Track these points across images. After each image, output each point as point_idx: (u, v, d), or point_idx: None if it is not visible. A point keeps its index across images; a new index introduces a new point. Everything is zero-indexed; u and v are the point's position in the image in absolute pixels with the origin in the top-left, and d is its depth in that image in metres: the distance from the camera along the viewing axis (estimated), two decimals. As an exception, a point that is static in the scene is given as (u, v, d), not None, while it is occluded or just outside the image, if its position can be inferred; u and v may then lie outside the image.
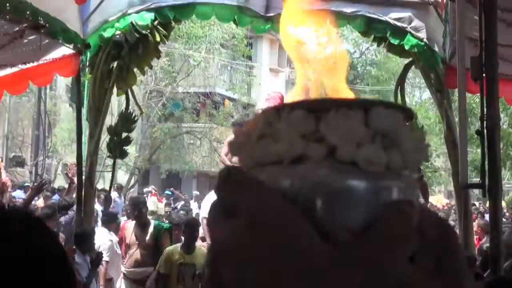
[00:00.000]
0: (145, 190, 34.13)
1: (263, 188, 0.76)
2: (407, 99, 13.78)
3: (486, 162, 6.71)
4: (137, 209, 14.60)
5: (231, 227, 0.76)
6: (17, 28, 11.54)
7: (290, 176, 0.75)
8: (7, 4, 10.09)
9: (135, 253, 13.92)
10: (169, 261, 11.76)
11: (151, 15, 12.83)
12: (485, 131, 6.70)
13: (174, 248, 11.94)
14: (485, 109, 6.79)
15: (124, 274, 14.12)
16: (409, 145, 0.77)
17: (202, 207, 18.59)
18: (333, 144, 0.74)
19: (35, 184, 26.29)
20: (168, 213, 24.61)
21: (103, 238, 14.49)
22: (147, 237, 13.30)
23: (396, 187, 0.76)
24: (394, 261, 0.72)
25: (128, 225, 15.62)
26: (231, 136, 17.13)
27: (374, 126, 0.75)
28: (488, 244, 9.37)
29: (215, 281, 0.77)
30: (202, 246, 13.63)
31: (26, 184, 33.95)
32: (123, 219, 18.46)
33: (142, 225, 14.07)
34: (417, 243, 0.75)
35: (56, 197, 24.11)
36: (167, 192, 34.16)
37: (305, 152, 0.75)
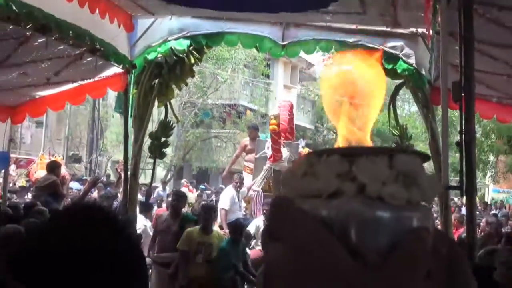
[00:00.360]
0: (181, 182, 34.61)
1: (307, 217, 0.78)
2: (398, 111, 13.74)
3: (464, 169, 6.68)
4: (176, 200, 14.26)
5: (278, 249, 0.77)
6: (78, 51, 11.57)
7: (327, 208, 0.78)
8: (70, 32, 10.07)
9: (164, 239, 13.67)
10: (189, 239, 11.64)
11: (187, 42, 13.17)
12: (463, 143, 6.71)
13: (194, 229, 11.87)
14: (463, 125, 6.78)
15: (152, 259, 13.62)
16: (426, 183, 0.79)
17: (220, 199, 18.63)
18: (363, 183, 0.78)
19: (91, 178, 26.60)
20: (198, 202, 24.48)
21: (139, 223, 15.03)
22: (175, 226, 12.95)
23: (415, 217, 0.79)
24: (415, 278, 0.75)
25: (161, 214, 15.62)
26: (245, 139, 19.92)
27: (397, 168, 0.78)
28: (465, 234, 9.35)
29: None
30: (219, 231, 13.84)
31: (84, 177, 34.33)
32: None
33: (175, 214, 13.76)
34: (431, 261, 0.78)
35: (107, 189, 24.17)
36: (201, 186, 34.22)
37: (340, 188, 0.78)
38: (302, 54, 14.44)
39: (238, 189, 15.95)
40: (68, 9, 10.74)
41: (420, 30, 11.96)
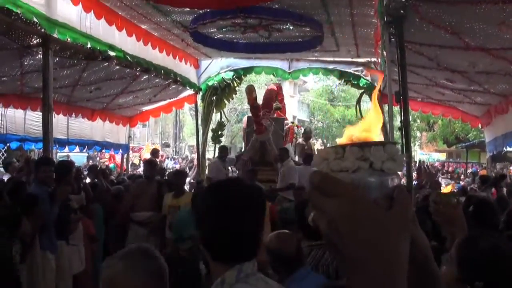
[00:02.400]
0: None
1: (347, 183, 0.79)
2: (362, 109, 13.95)
3: (404, 147, 6.72)
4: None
5: (337, 202, 0.75)
6: (166, 82, 11.65)
7: (353, 178, 0.81)
8: (162, 71, 10.15)
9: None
10: (164, 203, 7.95)
11: (232, 73, 13.84)
12: (402, 128, 6.74)
13: (168, 194, 8.10)
14: (402, 116, 6.81)
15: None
16: (399, 159, 0.85)
17: (207, 169, 13.53)
18: (371, 161, 0.82)
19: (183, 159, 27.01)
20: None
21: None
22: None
23: (398, 178, 0.85)
24: (411, 210, 0.81)
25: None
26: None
27: (387, 152, 0.83)
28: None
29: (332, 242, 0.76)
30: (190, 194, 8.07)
31: (174, 157, 34.44)
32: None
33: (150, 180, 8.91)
34: None
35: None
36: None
37: (359, 166, 0.82)
38: (301, 76, 14.61)
39: (223, 159, 11.81)
40: (160, 57, 10.83)
41: (372, 59, 12.05)
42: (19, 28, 7.26)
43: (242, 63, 13.56)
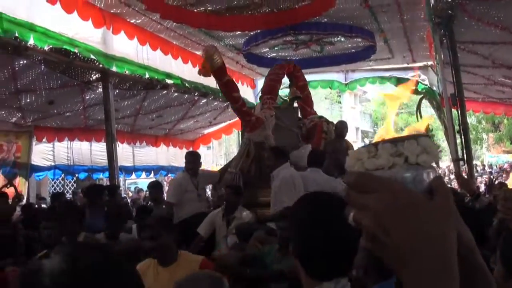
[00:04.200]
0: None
1: (387, 178, 0.77)
2: (422, 114, 13.55)
3: (464, 148, 6.62)
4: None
5: (377, 197, 0.74)
6: (225, 104, 11.82)
7: (389, 174, 0.79)
8: (220, 94, 10.35)
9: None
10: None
11: (288, 90, 13.24)
12: (461, 130, 6.65)
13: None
14: (460, 119, 6.72)
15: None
16: (434, 152, 0.84)
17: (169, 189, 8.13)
18: (406, 156, 0.81)
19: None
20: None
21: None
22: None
23: (434, 171, 0.83)
24: (451, 201, 0.79)
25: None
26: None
27: (421, 145, 0.82)
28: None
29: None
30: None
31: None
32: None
33: None
34: None
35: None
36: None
37: (394, 162, 0.80)
38: (358, 87, 14.42)
39: (193, 172, 7.16)
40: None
41: (429, 63, 11.85)
42: (78, 66, 7.72)
43: (297, 79, 13.66)
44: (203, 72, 6.70)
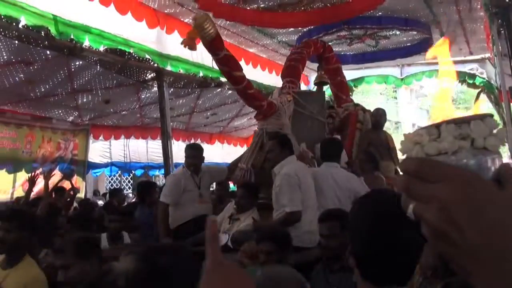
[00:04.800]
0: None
1: (452, 166, 0.70)
2: (481, 108, 13.19)
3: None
4: None
5: (445, 188, 0.64)
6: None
7: (456, 160, 0.73)
8: (272, 91, 10.35)
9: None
10: None
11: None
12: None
13: None
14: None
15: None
16: (500, 135, 0.76)
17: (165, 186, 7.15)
18: (472, 139, 0.74)
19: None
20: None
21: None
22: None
23: (500, 158, 0.75)
24: None
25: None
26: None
27: (488, 126, 0.75)
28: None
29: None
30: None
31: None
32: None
33: None
34: None
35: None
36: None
37: (460, 146, 0.73)
38: (414, 82, 14.11)
39: (194, 168, 6.10)
40: (270, 77, 11.11)
41: (486, 55, 11.53)
42: (134, 66, 7.89)
43: (352, 74, 13.44)
44: (187, 42, 5.51)
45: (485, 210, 0.63)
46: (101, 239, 5.05)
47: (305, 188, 5.00)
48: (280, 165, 5.17)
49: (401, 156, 0.81)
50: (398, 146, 1.03)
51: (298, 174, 5.00)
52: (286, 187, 4.92)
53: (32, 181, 6.84)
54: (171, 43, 8.14)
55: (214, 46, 5.56)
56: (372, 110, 7.81)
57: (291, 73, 7.29)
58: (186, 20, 8.37)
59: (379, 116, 7.59)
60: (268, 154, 5.52)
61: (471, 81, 12.20)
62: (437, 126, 0.77)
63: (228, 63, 5.83)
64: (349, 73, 13.43)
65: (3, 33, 6.22)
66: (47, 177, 6.90)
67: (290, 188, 4.91)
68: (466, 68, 12.16)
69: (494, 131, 0.76)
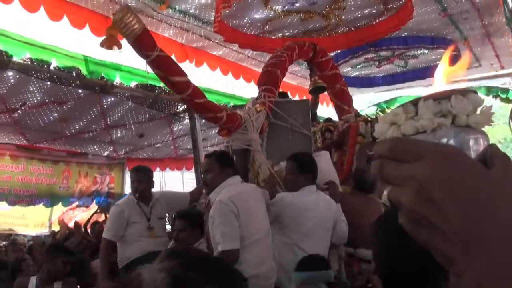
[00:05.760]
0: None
1: (425, 141, 0.59)
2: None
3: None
4: None
5: (422, 166, 0.55)
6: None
7: (436, 138, 0.69)
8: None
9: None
10: None
11: (375, 108, 13.17)
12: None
13: None
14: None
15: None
16: (484, 112, 0.73)
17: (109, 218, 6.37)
18: (454, 115, 0.71)
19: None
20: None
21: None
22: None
23: (486, 138, 0.72)
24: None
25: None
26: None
27: (471, 103, 0.72)
28: None
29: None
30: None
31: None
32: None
33: None
34: None
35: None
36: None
37: (440, 123, 0.70)
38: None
39: (138, 195, 5.16)
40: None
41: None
42: (165, 99, 8.07)
43: (383, 96, 13.50)
44: (105, 43, 4.63)
45: (468, 186, 0.55)
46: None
47: (246, 218, 3.87)
48: (219, 188, 4.05)
49: None
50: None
51: (235, 201, 3.84)
52: (218, 218, 3.82)
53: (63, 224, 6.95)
54: (201, 75, 8.34)
55: (141, 45, 4.36)
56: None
57: (267, 80, 5.91)
58: (214, 53, 8.58)
59: None
60: (204, 175, 4.26)
61: (504, 96, 12.09)
62: (415, 103, 0.73)
63: (162, 66, 4.56)
64: (381, 94, 13.47)
65: (35, 75, 6.50)
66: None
67: (223, 219, 3.80)
68: (498, 82, 12.07)
69: (479, 109, 0.73)
